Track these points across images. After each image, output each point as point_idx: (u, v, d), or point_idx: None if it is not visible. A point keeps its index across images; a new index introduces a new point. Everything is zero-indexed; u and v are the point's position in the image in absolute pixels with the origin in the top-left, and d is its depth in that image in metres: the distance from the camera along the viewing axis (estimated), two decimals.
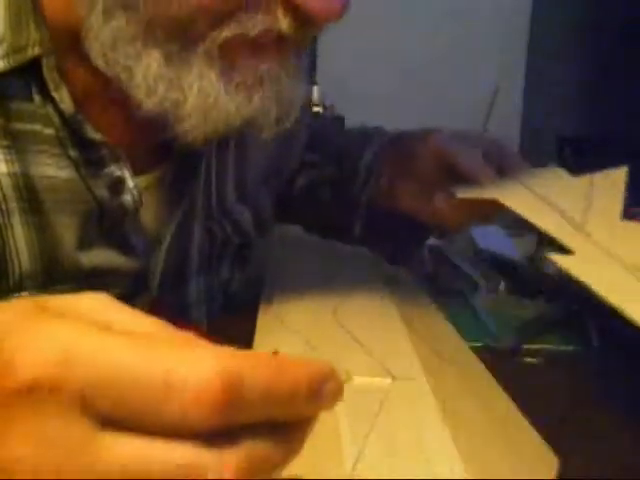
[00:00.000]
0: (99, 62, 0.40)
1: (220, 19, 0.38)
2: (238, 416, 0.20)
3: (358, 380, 0.38)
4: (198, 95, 0.40)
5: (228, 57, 0.40)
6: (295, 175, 0.71)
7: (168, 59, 0.39)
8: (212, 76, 0.40)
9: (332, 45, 2.09)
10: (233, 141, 0.58)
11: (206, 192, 0.56)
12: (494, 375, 0.45)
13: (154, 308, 0.54)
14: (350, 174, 0.66)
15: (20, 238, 0.43)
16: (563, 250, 0.41)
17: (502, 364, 0.50)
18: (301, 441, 0.22)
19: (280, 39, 0.40)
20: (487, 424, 0.37)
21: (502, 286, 0.68)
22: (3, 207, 0.42)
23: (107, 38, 0.39)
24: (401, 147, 0.63)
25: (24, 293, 0.43)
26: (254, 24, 0.38)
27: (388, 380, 0.40)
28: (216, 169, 0.56)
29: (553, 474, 0.33)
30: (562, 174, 0.57)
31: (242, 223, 0.60)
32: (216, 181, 0.57)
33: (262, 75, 0.41)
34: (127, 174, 0.46)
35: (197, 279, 0.57)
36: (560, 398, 0.45)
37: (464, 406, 0.39)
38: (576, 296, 0.60)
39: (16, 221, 0.42)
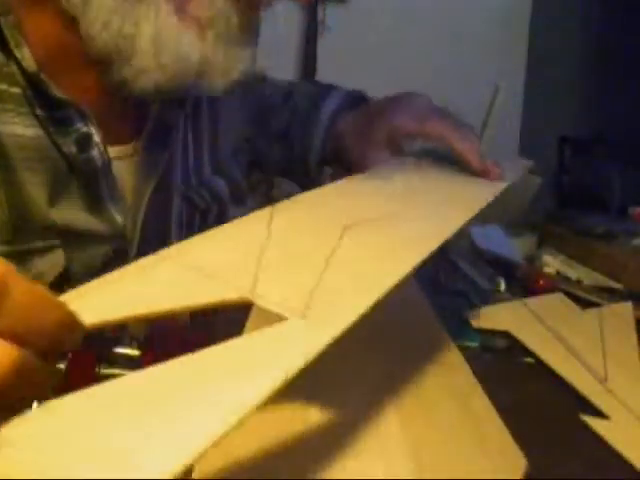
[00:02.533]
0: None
1: None
2: None
3: None
4: (152, 30, 0.41)
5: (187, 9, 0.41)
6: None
7: None
8: (167, 9, 0.41)
9: (332, 45, 2.09)
10: (206, 112, 0.59)
11: (183, 163, 0.57)
12: (491, 375, 0.45)
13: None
14: (300, 156, 0.68)
15: None
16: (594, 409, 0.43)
17: (500, 364, 0.50)
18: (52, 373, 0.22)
19: None
20: (461, 425, 0.38)
21: (502, 286, 0.69)
22: None
23: None
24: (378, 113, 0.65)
25: None
26: None
27: None
28: (192, 140, 0.58)
29: (520, 475, 0.34)
30: (568, 303, 0.62)
31: (220, 192, 0.61)
32: (193, 152, 0.58)
33: (215, 14, 0.42)
34: (93, 130, 0.47)
35: None
36: (557, 399, 0.45)
37: (442, 406, 0.40)
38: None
39: None
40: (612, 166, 1.19)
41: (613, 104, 1.72)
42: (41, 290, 0.22)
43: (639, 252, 0.81)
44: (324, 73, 2.13)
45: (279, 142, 0.70)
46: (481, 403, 0.41)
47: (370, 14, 2.09)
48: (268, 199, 0.79)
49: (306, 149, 0.67)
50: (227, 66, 0.45)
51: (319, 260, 0.32)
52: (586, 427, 0.40)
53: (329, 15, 2.05)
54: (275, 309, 0.27)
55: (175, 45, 0.42)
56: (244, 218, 0.36)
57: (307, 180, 0.67)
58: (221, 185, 0.62)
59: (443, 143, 0.60)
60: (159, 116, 0.52)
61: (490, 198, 0.50)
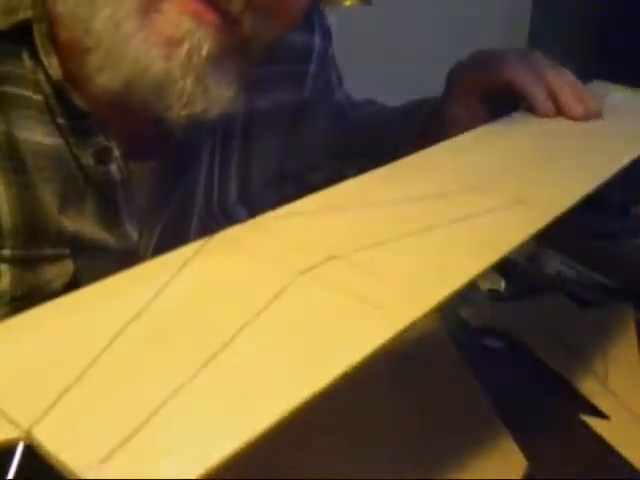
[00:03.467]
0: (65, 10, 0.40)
1: None
2: None
3: None
4: (108, 21, 0.38)
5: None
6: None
7: None
8: (131, 6, 0.38)
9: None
10: (238, 138, 0.58)
11: (207, 189, 0.55)
12: (491, 375, 0.45)
13: None
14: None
15: (2, 195, 0.43)
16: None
17: (499, 364, 0.50)
18: None
19: (230, 21, 0.38)
20: (461, 425, 0.38)
21: (502, 286, 0.68)
22: None
23: None
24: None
25: (5, 251, 0.43)
26: None
27: None
28: (219, 166, 0.56)
29: (520, 475, 0.34)
30: (568, 303, 0.61)
31: (240, 223, 0.60)
32: (219, 179, 0.56)
33: (187, 32, 0.38)
34: (113, 144, 0.46)
35: None
36: (557, 399, 0.45)
37: (441, 405, 0.40)
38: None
39: None
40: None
41: None
42: None
43: (639, 252, 0.81)
44: None
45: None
46: (481, 403, 0.41)
47: (370, 14, 2.09)
48: None
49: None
50: (193, 96, 0.40)
51: None
52: (586, 427, 0.40)
53: (329, 15, 2.05)
54: None
55: (135, 47, 0.38)
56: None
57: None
58: (242, 215, 0.60)
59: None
60: (183, 138, 0.50)
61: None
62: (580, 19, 1.97)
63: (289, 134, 0.63)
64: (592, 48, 1.89)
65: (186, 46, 0.38)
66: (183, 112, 0.41)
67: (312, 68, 0.65)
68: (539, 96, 0.56)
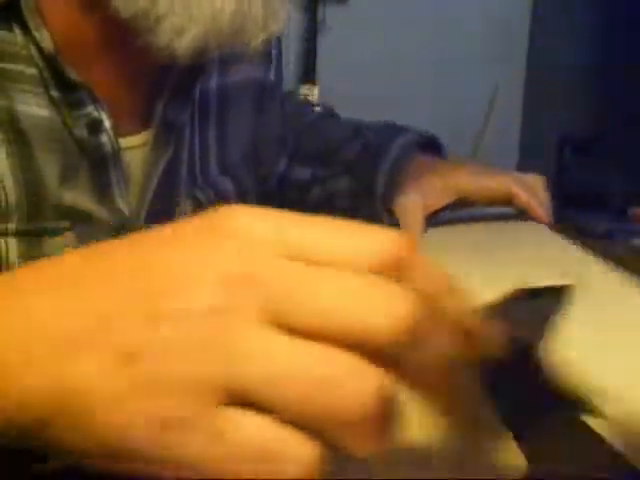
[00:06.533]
0: None
1: None
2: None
3: None
4: None
5: None
6: (307, 186, 0.73)
7: None
8: None
9: (332, 45, 2.09)
10: (214, 112, 0.60)
11: (190, 162, 0.58)
12: (490, 374, 0.45)
13: None
14: (366, 188, 0.68)
15: (5, 168, 0.43)
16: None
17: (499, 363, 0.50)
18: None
19: None
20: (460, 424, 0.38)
21: None
22: None
23: None
24: (429, 173, 0.67)
25: (10, 225, 0.44)
26: None
27: None
28: (199, 140, 0.58)
29: (520, 475, 0.34)
30: None
31: (226, 193, 0.62)
32: (199, 151, 0.59)
33: None
34: (104, 115, 0.47)
35: None
36: (556, 399, 0.45)
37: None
38: None
39: (1, 152, 0.43)
40: (612, 166, 1.19)
41: (613, 104, 1.72)
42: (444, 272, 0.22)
43: (639, 252, 0.80)
44: (324, 73, 2.12)
45: (347, 173, 0.70)
46: (481, 403, 0.41)
47: (370, 14, 2.09)
48: None
49: (373, 177, 0.68)
50: (265, 19, 0.43)
51: None
52: (586, 427, 0.40)
53: (329, 15, 2.05)
54: None
55: (206, 7, 0.41)
56: None
57: (373, 213, 0.68)
58: (227, 185, 0.63)
59: (509, 198, 0.65)
60: (167, 110, 0.53)
61: None
62: (580, 19, 1.96)
63: (257, 111, 0.66)
64: (592, 48, 1.89)
65: None
66: (262, 36, 0.44)
67: (274, 51, 0.68)
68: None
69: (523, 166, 2.11)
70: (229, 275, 0.19)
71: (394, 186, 0.66)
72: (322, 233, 0.21)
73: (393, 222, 0.66)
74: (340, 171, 0.71)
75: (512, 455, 0.35)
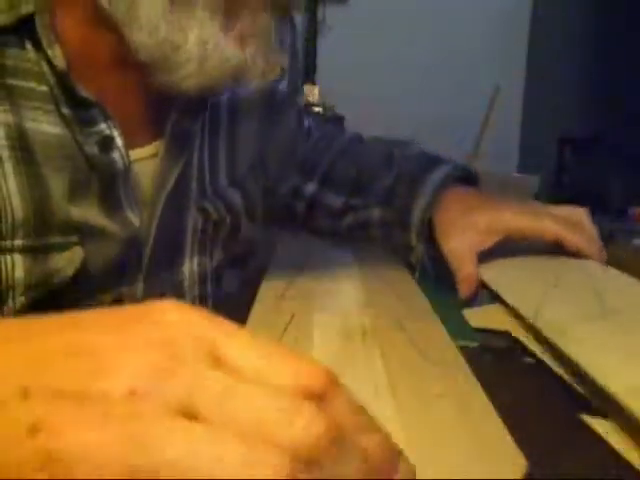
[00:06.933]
0: (102, 1, 0.43)
1: None
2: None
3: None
4: (198, 41, 0.44)
5: (233, 9, 0.44)
6: (340, 214, 0.73)
7: (173, 3, 0.43)
8: (214, 25, 0.44)
9: (332, 45, 2.09)
10: (224, 123, 0.60)
11: (200, 173, 0.58)
12: (491, 375, 0.45)
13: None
14: (401, 219, 0.67)
15: (13, 186, 0.44)
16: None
17: (500, 364, 0.50)
18: None
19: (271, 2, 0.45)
20: (460, 425, 0.38)
21: None
22: None
23: None
24: (469, 212, 0.64)
25: (17, 242, 0.44)
26: None
27: None
28: (208, 152, 0.59)
29: (520, 475, 0.34)
30: None
31: (234, 206, 0.62)
32: (209, 163, 0.59)
33: (257, 29, 0.46)
34: (116, 133, 0.48)
35: (191, 260, 0.59)
36: (557, 399, 0.45)
37: (440, 407, 0.40)
38: None
39: (9, 169, 0.43)
40: (612, 166, 1.19)
41: (613, 104, 1.72)
42: (363, 408, 0.22)
43: (639, 252, 0.81)
44: (324, 73, 2.13)
45: (381, 204, 0.70)
46: (481, 403, 0.41)
47: (370, 14, 2.09)
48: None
49: (409, 210, 0.66)
50: (265, 69, 0.47)
51: None
52: (586, 427, 0.40)
53: (329, 15, 2.05)
54: None
55: (217, 60, 0.44)
56: None
57: (406, 245, 0.67)
58: (236, 198, 0.63)
59: (557, 241, 0.62)
60: (177, 122, 0.53)
61: None
62: (580, 19, 1.97)
63: (267, 122, 0.66)
64: (592, 48, 1.89)
65: (260, 38, 0.46)
66: (259, 83, 0.48)
67: (289, 61, 0.68)
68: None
69: (523, 166, 2.11)
70: (153, 365, 0.21)
71: (431, 219, 0.65)
72: (250, 349, 0.22)
73: (429, 255, 0.66)
74: (374, 201, 0.70)
75: (512, 455, 0.35)
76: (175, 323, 0.22)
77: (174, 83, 0.46)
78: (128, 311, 0.23)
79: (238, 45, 0.45)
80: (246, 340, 0.22)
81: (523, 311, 0.53)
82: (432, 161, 0.70)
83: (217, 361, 0.21)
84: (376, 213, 0.70)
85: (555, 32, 2.04)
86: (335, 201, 0.73)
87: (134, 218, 0.51)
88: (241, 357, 0.22)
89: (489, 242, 0.62)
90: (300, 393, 0.21)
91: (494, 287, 0.60)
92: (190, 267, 0.59)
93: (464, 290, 0.60)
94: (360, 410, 0.22)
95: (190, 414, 0.20)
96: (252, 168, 0.65)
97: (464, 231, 0.62)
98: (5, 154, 0.43)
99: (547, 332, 0.48)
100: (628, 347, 0.45)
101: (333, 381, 0.22)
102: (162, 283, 0.56)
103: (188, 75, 0.45)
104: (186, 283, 0.59)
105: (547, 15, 2.09)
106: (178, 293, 0.58)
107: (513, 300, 0.56)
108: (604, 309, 0.51)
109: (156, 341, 0.21)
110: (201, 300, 0.61)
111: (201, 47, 0.43)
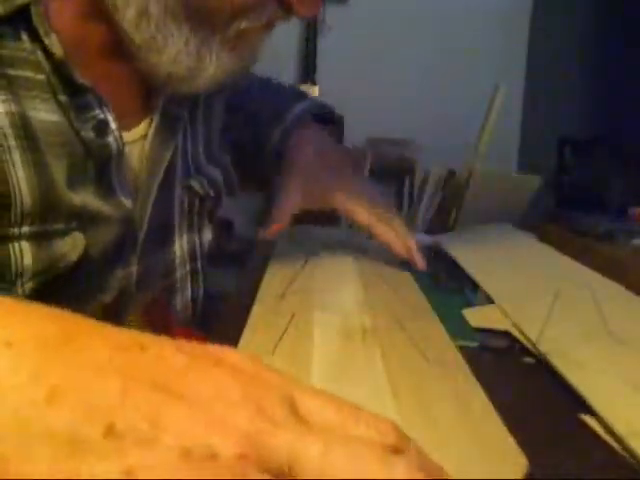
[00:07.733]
0: (129, 27, 0.46)
1: (243, 11, 0.46)
2: None
3: None
4: (216, 68, 0.49)
5: (240, 40, 0.48)
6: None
7: (192, 37, 0.47)
8: (225, 54, 0.49)
9: (332, 46, 2.09)
10: (201, 109, 0.63)
11: (183, 153, 0.61)
12: (491, 375, 0.45)
13: (149, 309, 0.56)
14: (260, 150, 0.77)
15: (21, 174, 0.44)
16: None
17: (499, 364, 0.50)
18: None
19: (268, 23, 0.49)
20: (460, 425, 0.38)
21: None
22: (4, 144, 0.43)
23: (140, 5, 0.45)
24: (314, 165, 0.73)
25: (24, 229, 0.45)
26: (265, 15, 0.47)
27: None
28: (190, 132, 0.62)
29: (520, 475, 0.34)
30: None
31: (216, 181, 0.66)
32: (191, 143, 0.62)
33: (252, 47, 0.51)
34: (110, 117, 0.49)
35: (181, 238, 0.62)
36: (557, 398, 0.45)
37: (440, 407, 0.40)
38: None
39: (16, 157, 0.44)
40: (612, 166, 1.19)
41: (613, 104, 1.72)
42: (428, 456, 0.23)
43: (639, 252, 0.81)
44: (324, 73, 2.13)
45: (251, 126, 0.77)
46: (481, 403, 0.41)
47: (370, 14, 2.09)
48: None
49: (265, 140, 0.76)
50: (245, 68, 0.53)
51: None
52: (586, 427, 0.40)
53: (329, 15, 2.05)
54: None
55: (222, 69, 0.49)
56: None
57: (261, 175, 0.76)
58: (216, 173, 0.66)
59: (368, 229, 0.71)
60: (165, 107, 0.55)
61: None
62: (580, 19, 1.96)
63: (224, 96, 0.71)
64: (592, 48, 1.89)
65: (253, 52, 0.52)
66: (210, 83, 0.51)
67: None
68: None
69: (523, 166, 2.11)
70: (254, 425, 0.21)
71: (282, 151, 0.74)
72: (324, 403, 0.23)
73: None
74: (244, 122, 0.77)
75: (512, 455, 0.35)
76: (257, 377, 0.22)
77: (171, 90, 0.50)
78: (197, 349, 0.23)
79: (234, 56, 0.49)
80: (316, 394, 0.23)
81: (526, 330, 0.53)
82: (296, 95, 0.79)
83: (301, 417, 0.22)
84: (246, 134, 0.77)
85: (555, 32, 2.04)
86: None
87: (126, 200, 0.52)
88: (319, 412, 0.22)
89: (314, 208, 0.72)
90: (387, 447, 0.22)
91: (495, 300, 0.60)
92: (180, 245, 0.62)
93: (271, 226, 0.69)
94: (428, 458, 0.23)
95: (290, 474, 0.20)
96: (221, 143, 0.69)
97: (297, 190, 0.71)
98: (12, 143, 0.44)
99: (550, 357, 0.48)
100: (630, 373, 0.45)
101: (404, 434, 0.23)
102: (155, 263, 0.58)
103: (190, 88, 0.50)
104: (177, 261, 0.62)
105: (547, 15, 2.09)
106: (170, 270, 0.61)
107: (515, 319, 0.56)
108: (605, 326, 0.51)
109: (251, 397, 0.21)
110: (192, 277, 0.63)
111: (219, 72, 0.49)
